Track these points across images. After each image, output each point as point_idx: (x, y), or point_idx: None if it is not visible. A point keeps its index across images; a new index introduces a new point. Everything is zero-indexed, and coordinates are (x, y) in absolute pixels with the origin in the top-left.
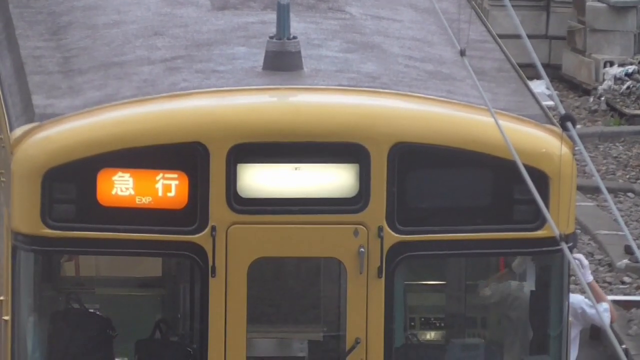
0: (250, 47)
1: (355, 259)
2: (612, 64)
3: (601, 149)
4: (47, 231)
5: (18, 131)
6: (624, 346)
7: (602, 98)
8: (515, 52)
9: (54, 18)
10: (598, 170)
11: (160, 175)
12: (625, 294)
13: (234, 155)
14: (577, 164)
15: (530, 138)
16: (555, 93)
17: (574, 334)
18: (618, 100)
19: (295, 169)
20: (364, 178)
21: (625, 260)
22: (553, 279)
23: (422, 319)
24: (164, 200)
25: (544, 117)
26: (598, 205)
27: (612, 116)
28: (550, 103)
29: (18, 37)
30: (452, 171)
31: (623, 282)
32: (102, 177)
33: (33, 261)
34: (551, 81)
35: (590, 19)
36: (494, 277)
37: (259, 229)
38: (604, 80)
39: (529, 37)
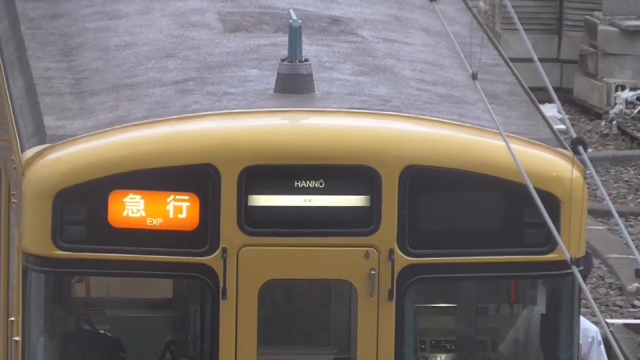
0: (262, 69)
1: (366, 281)
2: (623, 87)
3: (612, 173)
4: (58, 252)
5: (29, 152)
6: None
7: (614, 122)
8: (527, 75)
9: (65, 39)
10: (609, 194)
11: (172, 196)
12: (635, 318)
13: (245, 177)
14: (588, 188)
15: (542, 161)
16: (566, 117)
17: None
18: (629, 124)
19: (306, 200)
20: (375, 201)
21: (636, 284)
22: (564, 303)
23: (433, 342)
24: (175, 221)
25: (555, 140)
26: (609, 229)
27: (623, 140)
28: (562, 127)
29: (30, 58)
30: (463, 194)
31: (634, 306)
32: (113, 199)
33: (44, 282)
34: (563, 105)
35: (602, 43)
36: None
37: (270, 251)
38: (615, 104)
39: (541, 60)
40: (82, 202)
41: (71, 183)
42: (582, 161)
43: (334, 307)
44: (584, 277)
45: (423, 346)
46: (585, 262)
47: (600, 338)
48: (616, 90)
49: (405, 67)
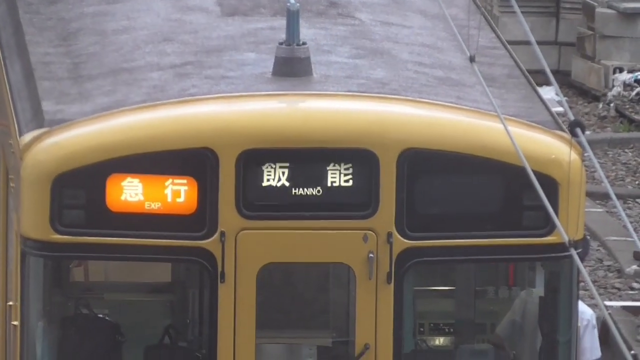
0: (260, 53)
1: (364, 264)
2: (621, 70)
3: (610, 155)
4: (56, 237)
5: (27, 137)
6: (632, 352)
7: (612, 104)
8: (524, 58)
9: (63, 24)
10: (607, 177)
11: (170, 180)
12: (634, 300)
13: (243, 161)
14: (587, 170)
15: (540, 144)
16: (564, 99)
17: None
18: (627, 106)
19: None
20: (374, 184)
21: (634, 266)
22: (562, 285)
23: (431, 325)
24: (173, 205)
25: (553, 123)
26: (607, 212)
27: (621, 122)
28: (560, 109)
29: (28, 43)
30: (461, 177)
31: (632, 288)
32: (111, 183)
33: (42, 267)
34: (560, 87)
35: (600, 26)
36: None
37: (268, 234)
38: (613, 86)
39: (539, 43)
40: (80, 186)
41: (69, 167)
42: (580, 143)
43: (332, 290)
44: (582, 260)
45: (421, 329)
46: (582, 245)
47: (594, 322)
48: (614, 73)
49: (403, 50)
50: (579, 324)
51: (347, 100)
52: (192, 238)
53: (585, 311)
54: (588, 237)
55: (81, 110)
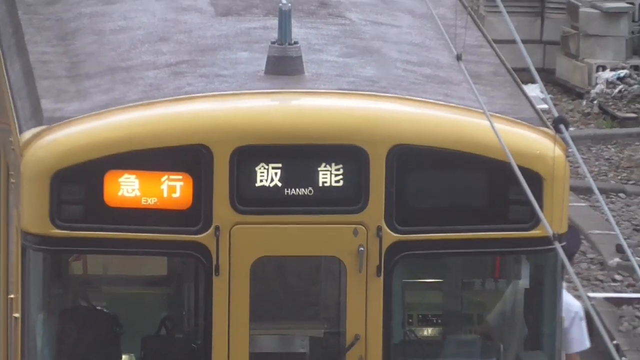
0: (253, 52)
1: (354, 257)
2: (604, 68)
3: (594, 151)
4: (56, 231)
5: (27, 134)
6: (615, 342)
7: (595, 101)
8: (510, 56)
9: (61, 24)
10: (590, 172)
11: (166, 176)
12: (616, 292)
13: (237, 157)
14: (570, 166)
15: (525, 140)
16: (549, 96)
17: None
18: (610, 103)
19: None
20: (364, 179)
21: (617, 259)
22: (547, 277)
23: (420, 316)
24: (169, 201)
25: (538, 120)
26: (590, 206)
27: (604, 119)
28: (544, 106)
29: (27, 43)
30: (448, 172)
31: (614, 280)
32: (108, 179)
33: (42, 260)
34: (545, 85)
35: (584, 25)
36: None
37: (262, 229)
38: (596, 84)
39: (524, 42)
40: (78, 182)
41: (68, 163)
42: (564, 139)
43: (323, 283)
44: (571, 255)
45: (410, 320)
46: (571, 240)
47: (582, 314)
48: (597, 71)
49: (392, 49)
50: (565, 316)
51: (337, 97)
52: (187, 232)
53: (572, 303)
54: (577, 231)
55: (79, 108)
